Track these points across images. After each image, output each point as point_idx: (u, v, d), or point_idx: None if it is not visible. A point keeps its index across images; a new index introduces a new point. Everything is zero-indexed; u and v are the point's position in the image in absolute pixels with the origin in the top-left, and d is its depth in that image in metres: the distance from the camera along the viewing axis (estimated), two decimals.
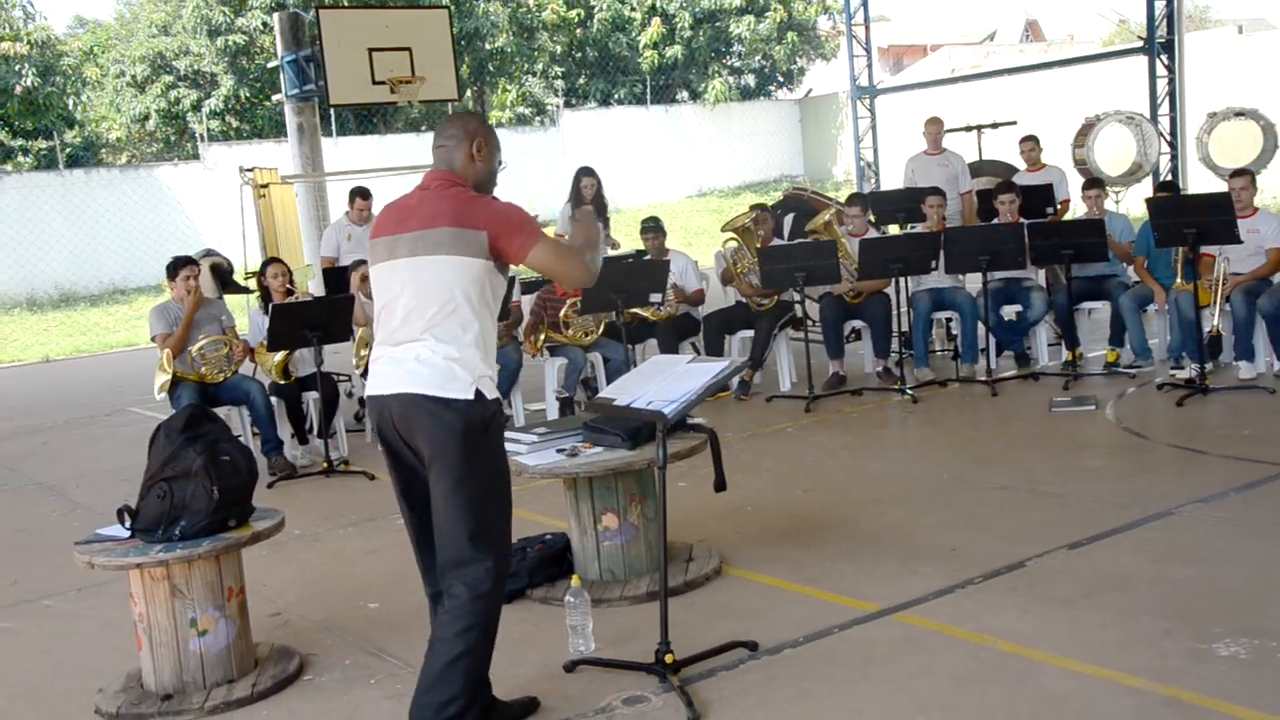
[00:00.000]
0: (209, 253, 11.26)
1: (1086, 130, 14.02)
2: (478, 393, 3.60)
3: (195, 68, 26.97)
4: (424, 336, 3.63)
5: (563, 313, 8.63)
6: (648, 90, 30.37)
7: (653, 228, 9.65)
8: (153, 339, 7.97)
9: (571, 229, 3.81)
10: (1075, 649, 4.17)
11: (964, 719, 3.75)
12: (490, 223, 3.65)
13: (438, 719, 3.58)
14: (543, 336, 8.64)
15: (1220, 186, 9.35)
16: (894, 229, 10.77)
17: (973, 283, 9.14)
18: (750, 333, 9.39)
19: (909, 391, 8.67)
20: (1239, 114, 13.66)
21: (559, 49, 30.36)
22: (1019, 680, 3.98)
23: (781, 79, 32.49)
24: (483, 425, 3.62)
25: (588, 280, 3.89)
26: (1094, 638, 4.26)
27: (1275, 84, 19.08)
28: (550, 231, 7.65)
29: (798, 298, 9.33)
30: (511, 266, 3.82)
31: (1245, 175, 8.62)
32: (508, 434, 5.23)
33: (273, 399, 8.04)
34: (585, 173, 11.24)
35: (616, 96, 30.91)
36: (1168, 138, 15.24)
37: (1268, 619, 4.28)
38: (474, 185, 3.83)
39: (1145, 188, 13.24)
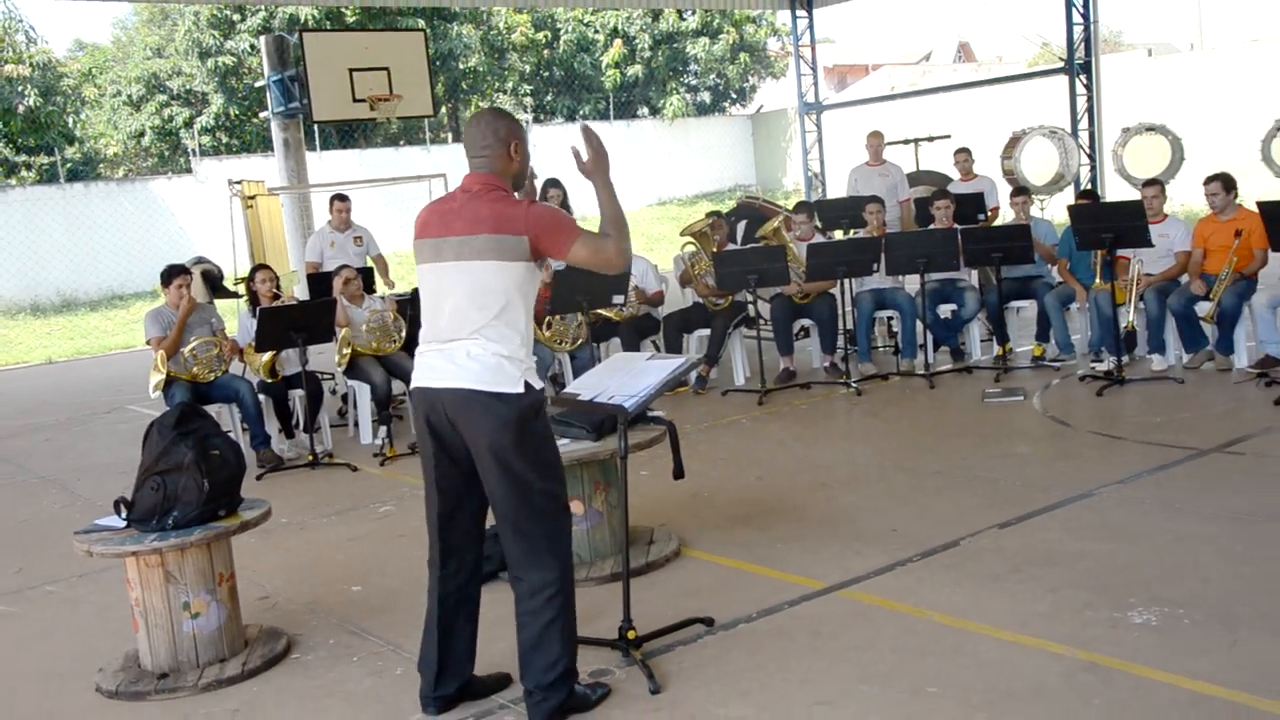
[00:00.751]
0: (200, 260, 11.17)
1: (1014, 143, 14.10)
2: (526, 384, 3.60)
3: (187, 87, 26.79)
4: (475, 336, 3.60)
5: (547, 318, 8.57)
6: (610, 106, 30.42)
7: None
8: (148, 342, 7.90)
9: (601, 205, 3.81)
10: (1005, 620, 4.21)
11: (904, 687, 3.76)
12: (531, 227, 3.60)
13: (547, 678, 3.64)
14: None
15: (1134, 195, 9.43)
16: (839, 234, 10.80)
17: (911, 283, 9.18)
18: (707, 331, 9.39)
19: (853, 385, 8.70)
20: (1150, 129, 13.80)
21: (528, 68, 30.39)
22: (954, 650, 4.01)
23: (734, 96, 32.57)
24: (534, 413, 3.63)
25: (624, 264, 3.75)
26: (1022, 609, 4.29)
27: (1181, 102, 19.32)
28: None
29: (750, 298, 9.36)
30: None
31: (1156, 185, 8.73)
32: None
33: (261, 396, 8.02)
34: (552, 184, 11.18)
35: (582, 112, 30.93)
36: (1087, 150, 15.36)
37: (1176, 589, 4.33)
38: (513, 182, 3.80)
39: (1067, 196, 13.34)
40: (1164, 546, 4.85)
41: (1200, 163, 12.62)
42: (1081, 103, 15.84)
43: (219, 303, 9.81)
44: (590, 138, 3.77)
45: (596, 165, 3.77)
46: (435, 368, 3.66)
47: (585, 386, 4.32)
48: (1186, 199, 15.66)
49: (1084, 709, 3.50)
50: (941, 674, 3.82)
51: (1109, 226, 7.98)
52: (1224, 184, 8.23)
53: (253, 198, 13.72)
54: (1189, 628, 4.00)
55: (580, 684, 3.81)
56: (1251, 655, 3.75)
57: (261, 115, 18.39)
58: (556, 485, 3.75)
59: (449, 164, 14.53)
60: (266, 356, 8.00)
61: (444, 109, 27.12)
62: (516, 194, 3.81)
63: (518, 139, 3.79)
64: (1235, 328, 8.04)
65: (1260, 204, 7.63)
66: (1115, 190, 14.54)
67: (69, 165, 25.56)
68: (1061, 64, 16.30)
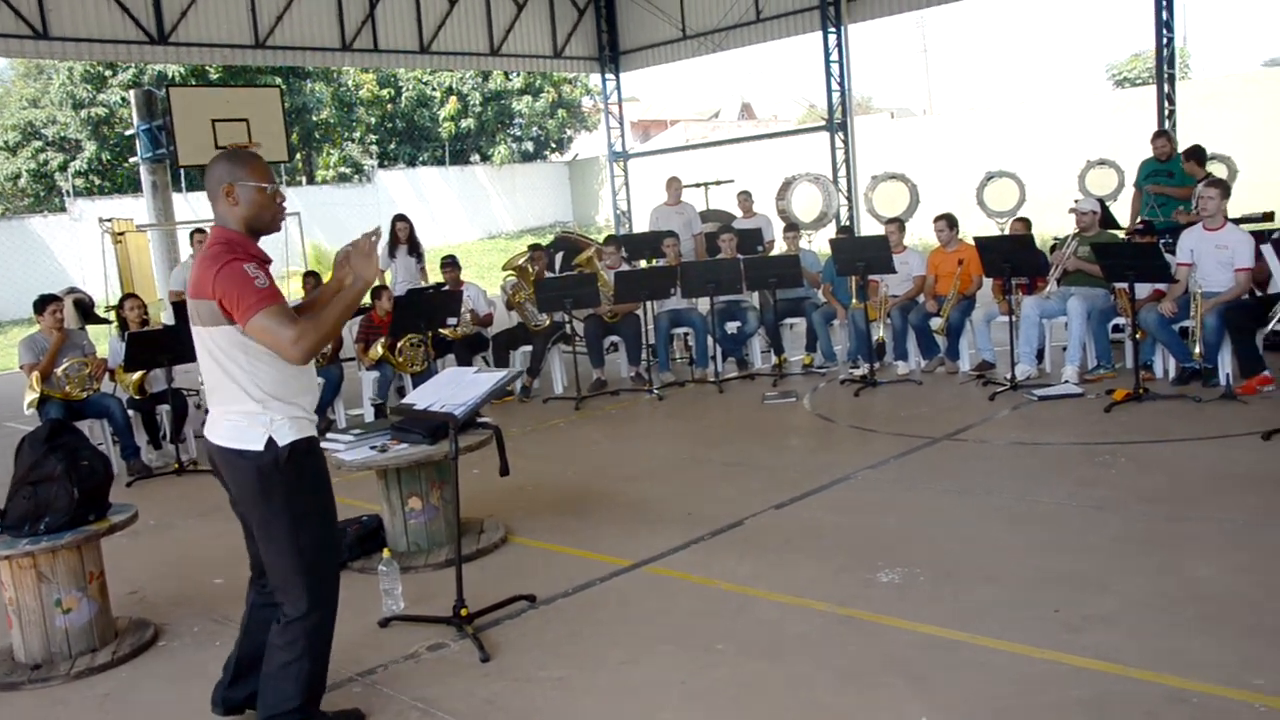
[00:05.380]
0: (72, 290, 10.55)
1: (786, 187, 14.58)
2: (269, 440, 3.11)
3: (62, 134, 25.25)
4: (215, 396, 3.21)
5: (400, 344, 8.36)
6: (447, 154, 30.11)
7: (450, 264, 9.54)
8: (20, 368, 7.44)
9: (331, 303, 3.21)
10: (779, 585, 4.32)
11: (699, 643, 3.83)
12: (217, 291, 3.03)
13: (272, 711, 3.25)
14: (382, 352, 8.39)
15: (881, 231, 9.88)
16: (643, 263, 10.93)
17: (703, 304, 9.36)
18: (530, 348, 9.37)
19: (655, 391, 8.79)
20: (893, 177, 14.49)
21: (373, 120, 29.78)
22: (739, 611, 4.10)
23: (554, 145, 32.59)
24: (276, 466, 3.11)
25: (297, 358, 3.05)
26: (792, 575, 4.42)
27: (917, 156, 20.31)
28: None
29: (567, 318, 9.38)
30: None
31: (897, 222, 9.11)
32: (330, 435, 5.10)
33: (130, 412, 7.68)
34: (400, 218, 11.01)
35: (421, 159, 30.51)
36: (845, 194, 16.00)
37: (914, 553, 4.53)
38: (247, 228, 3.16)
39: (829, 231, 13.79)
40: (905, 518, 5.06)
41: (931, 204, 13.31)
42: (840, 154, 16.51)
43: (90, 329, 9.29)
44: (367, 243, 3.23)
45: (357, 261, 3.22)
46: (208, 421, 3.31)
47: (421, 397, 4.27)
48: (922, 234, 16.48)
49: (842, 653, 3.64)
50: (728, 632, 3.91)
51: (862, 256, 8.30)
52: (949, 222, 8.66)
53: (122, 234, 13.14)
54: (924, 584, 4.20)
55: (327, 711, 3.39)
56: (972, 604, 3.96)
57: (131, 160, 17.51)
58: (309, 534, 3.18)
59: (303, 205, 14.21)
60: (136, 376, 7.70)
61: (298, 155, 26.33)
62: (257, 237, 3.20)
63: (231, 184, 3.12)
64: (960, 338, 8.41)
65: (976, 239, 8.06)
66: (867, 226, 15.12)
67: None
68: (824, 123, 16.96)
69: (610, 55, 19.41)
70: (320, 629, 3.26)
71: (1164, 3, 13.88)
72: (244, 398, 3.13)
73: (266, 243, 3.30)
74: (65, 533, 4.13)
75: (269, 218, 3.21)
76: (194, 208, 21.06)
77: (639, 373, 9.31)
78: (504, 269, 9.73)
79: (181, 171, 21.47)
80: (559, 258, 11.64)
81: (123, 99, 23.15)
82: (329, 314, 3.13)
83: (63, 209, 23.08)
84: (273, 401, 3.14)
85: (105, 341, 9.13)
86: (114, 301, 9.40)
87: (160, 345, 7.44)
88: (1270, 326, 6.54)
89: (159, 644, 4.34)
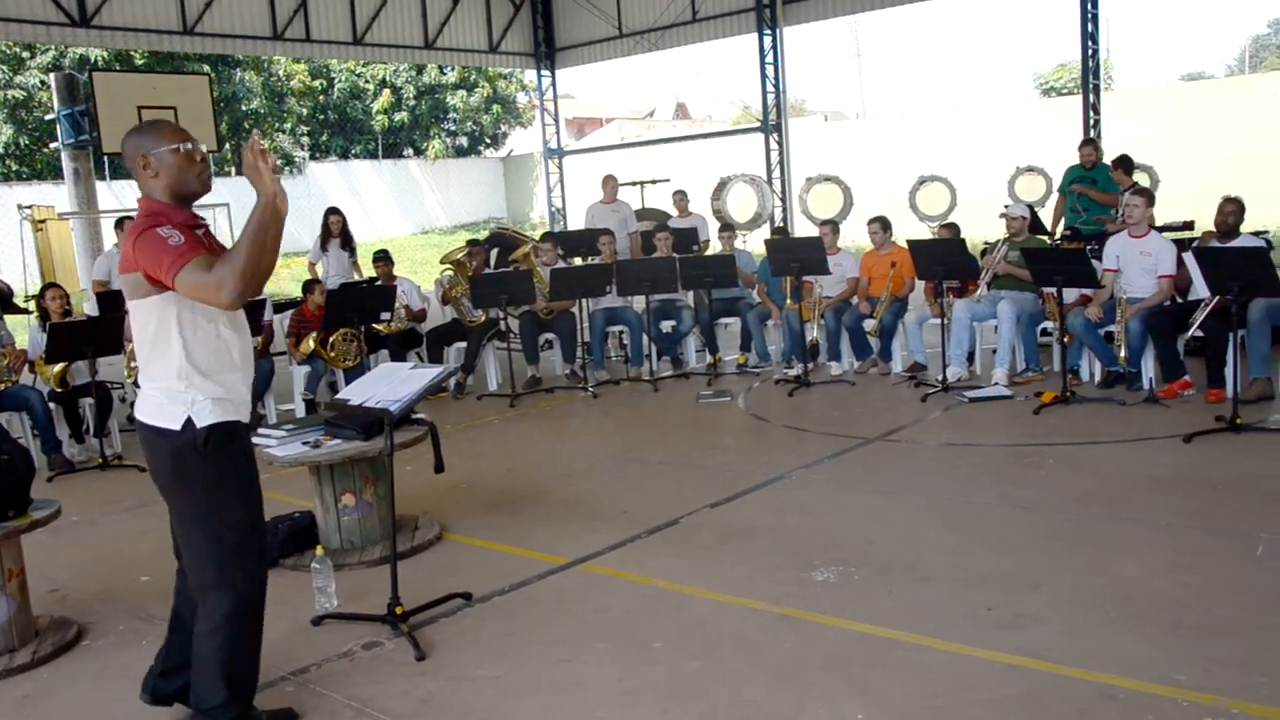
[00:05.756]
0: None
1: (721, 187, 14.65)
2: (188, 421, 3.03)
3: None
4: (144, 372, 3.14)
5: (333, 338, 8.22)
6: (380, 147, 29.73)
7: (383, 258, 9.41)
8: None
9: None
10: (715, 583, 4.32)
11: (635, 641, 3.82)
12: (139, 261, 2.95)
13: (202, 705, 3.18)
14: (314, 346, 8.24)
15: (815, 232, 9.97)
16: (578, 261, 10.90)
17: (638, 303, 9.36)
18: (464, 344, 9.28)
19: (590, 389, 8.76)
20: (827, 179, 14.62)
21: (305, 111, 29.24)
22: (675, 609, 4.09)
23: (488, 141, 32.37)
24: (193, 448, 3.04)
25: (228, 299, 2.86)
26: (728, 573, 4.42)
27: (851, 158, 20.57)
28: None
29: (502, 315, 9.31)
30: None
31: (831, 224, 9.18)
32: (261, 431, 4.98)
33: (52, 405, 7.41)
34: (332, 211, 10.85)
35: (354, 152, 30.06)
36: (779, 195, 16.13)
37: (848, 551, 4.57)
38: (171, 197, 3.06)
39: (764, 231, 13.90)
40: (839, 517, 5.09)
41: (865, 207, 13.48)
42: (774, 156, 16.66)
43: (8, 318, 8.98)
44: (250, 155, 2.86)
45: (250, 179, 2.90)
46: (139, 395, 3.23)
47: (355, 392, 4.19)
48: (855, 236, 16.69)
49: (777, 651, 3.65)
50: (665, 630, 3.89)
51: (797, 257, 8.36)
52: (882, 225, 8.77)
53: (43, 222, 12.75)
54: (858, 582, 4.23)
55: (259, 710, 3.31)
56: (903, 602, 4.00)
57: (51, 146, 16.96)
58: (225, 520, 3.09)
59: (231, 195, 13.83)
60: (57, 368, 7.43)
61: (227, 145, 25.73)
62: (185, 206, 3.09)
63: (146, 155, 3.02)
64: (892, 340, 8.53)
65: (910, 242, 8.18)
66: (802, 228, 15.27)
67: None
68: (759, 124, 17.08)
69: (546, 51, 19.33)
70: (239, 619, 3.16)
71: (1089, 15, 14.25)
72: (169, 374, 3.06)
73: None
74: None
75: (194, 179, 3.09)
76: (118, 196, 20.47)
77: (574, 370, 9.26)
78: (441, 262, 9.62)
79: (105, 159, 20.91)
80: (494, 254, 11.55)
81: (42, 82, 22.41)
82: (240, 246, 2.86)
83: None
84: (197, 378, 3.06)
85: (24, 332, 8.85)
86: (34, 291, 9.10)
87: (84, 336, 7.25)
88: (1190, 332, 6.73)
89: (82, 643, 4.20)
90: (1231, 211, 7.00)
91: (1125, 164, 9.61)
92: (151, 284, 2.98)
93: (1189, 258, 6.58)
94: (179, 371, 3.05)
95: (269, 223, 2.85)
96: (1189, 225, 10.17)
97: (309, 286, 8.72)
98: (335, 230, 10.46)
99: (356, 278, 10.32)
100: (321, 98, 29.39)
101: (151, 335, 3.06)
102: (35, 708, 3.68)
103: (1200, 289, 6.54)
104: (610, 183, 11.31)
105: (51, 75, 15.50)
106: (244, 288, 2.84)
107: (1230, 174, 16.73)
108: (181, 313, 3.02)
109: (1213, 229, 7.27)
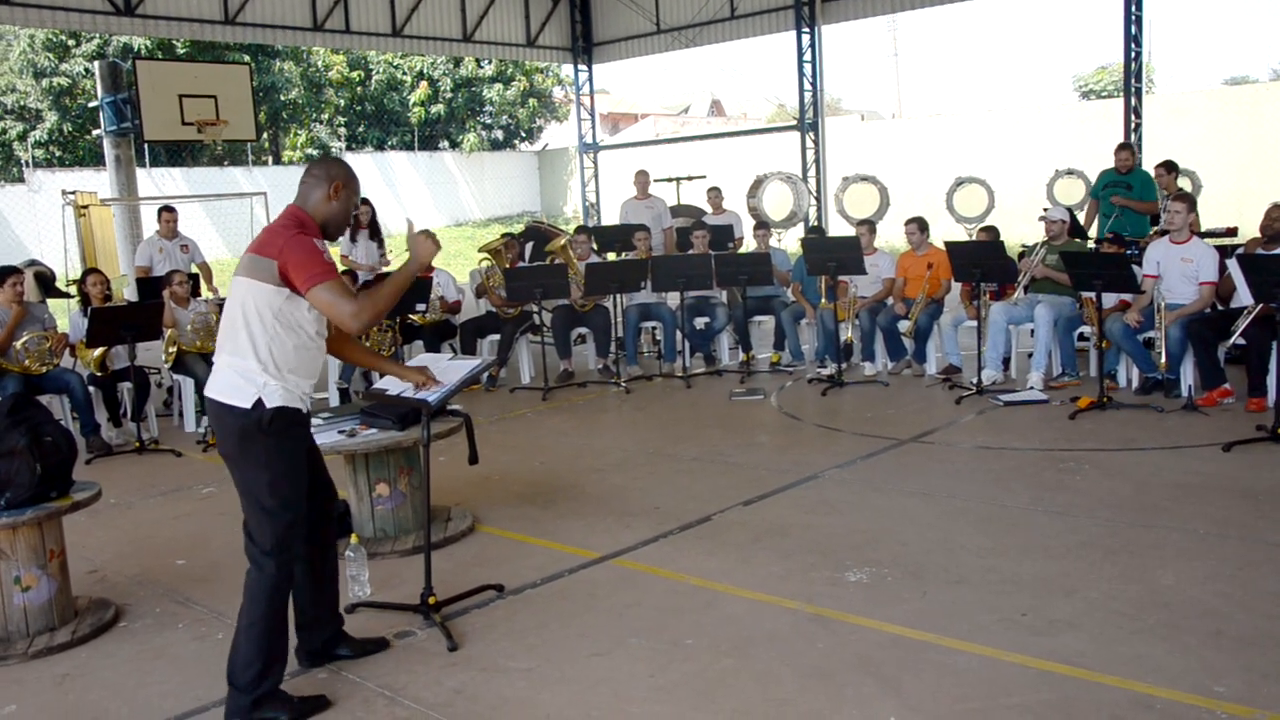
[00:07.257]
0: (33, 263, 10.38)
1: (757, 185, 14.57)
2: (258, 401, 3.26)
3: (21, 104, 24.65)
4: (224, 348, 3.35)
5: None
6: (415, 139, 29.85)
7: None
8: None
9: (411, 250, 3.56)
10: (747, 581, 4.32)
11: (667, 638, 3.82)
12: (283, 253, 3.23)
13: (239, 679, 3.31)
14: None
15: (852, 232, 9.92)
16: (612, 256, 10.90)
17: (672, 299, 9.35)
18: (498, 336, 9.32)
19: (623, 384, 8.77)
20: (864, 179, 14.49)
21: (342, 102, 29.45)
22: (707, 606, 4.09)
23: (524, 135, 32.45)
24: (258, 427, 3.27)
25: (355, 328, 3.30)
26: (761, 572, 4.42)
27: (887, 158, 20.44)
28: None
29: (536, 308, 9.34)
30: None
31: (868, 224, 9.14)
32: None
33: (91, 388, 7.55)
34: (361, 201, 10.86)
35: (390, 143, 30.21)
36: (815, 194, 16.06)
37: (881, 552, 4.56)
38: (323, 223, 3.43)
39: (799, 230, 13.85)
40: (872, 518, 5.08)
41: (901, 207, 13.39)
42: (810, 155, 16.58)
43: (51, 302, 9.13)
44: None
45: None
46: (214, 368, 3.42)
47: (393, 383, 4.22)
48: (891, 236, 16.58)
49: (810, 650, 3.65)
50: (697, 627, 3.90)
51: (832, 256, 8.32)
52: (919, 225, 8.72)
53: (85, 207, 12.92)
54: (891, 583, 4.22)
55: (292, 695, 3.42)
56: (937, 604, 3.99)
57: (94, 133, 17.18)
58: (277, 502, 3.32)
59: (269, 184, 14.00)
60: (97, 352, 7.57)
61: (265, 135, 25.97)
62: (318, 233, 3.42)
63: (342, 185, 3.44)
64: (927, 341, 8.48)
65: (947, 243, 8.13)
66: (837, 227, 15.17)
67: None
68: (795, 122, 17.01)
69: (584, 46, 19.34)
70: (278, 590, 3.35)
71: (1133, 17, 14.06)
72: (249, 355, 3.29)
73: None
74: (26, 509, 4.04)
75: (335, 228, 3.49)
76: (157, 183, 20.69)
77: (606, 365, 9.28)
78: (480, 250, 9.65)
79: (146, 146, 21.16)
80: (529, 248, 11.58)
81: (86, 70, 22.69)
82: (384, 291, 3.38)
83: (21, 180, 22.57)
84: (273, 369, 3.30)
85: (65, 316, 8.98)
86: (75, 276, 9.24)
87: (124, 322, 7.39)
88: (1232, 340, 6.64)
89: (120, 624, 4.26)
90: (1278, 218, 6.90)
91: (1171, 166, 9.47)
92: (281, 276, 3.25)
93: (1232, 264, 6.48)
94: (259, 358, 3.29)
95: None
96: (1232, 231, 10.01)
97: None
98: (364, 221, 10.51)
99: (385, 269, 10.36)
100: (359, 89, 29.58)
101: (248, 317, 3.29)
102: (74, 686, 3.74)
103: (1243, 296, 6.45)
104: (643, 178, 11.28)
105: (95, 63, 15.67)
106: (371, 321, 3.31)
107: (1275, 179, 16.45)
108: (283, 309, 3.29)
109: (1257, 235, 7.16)
